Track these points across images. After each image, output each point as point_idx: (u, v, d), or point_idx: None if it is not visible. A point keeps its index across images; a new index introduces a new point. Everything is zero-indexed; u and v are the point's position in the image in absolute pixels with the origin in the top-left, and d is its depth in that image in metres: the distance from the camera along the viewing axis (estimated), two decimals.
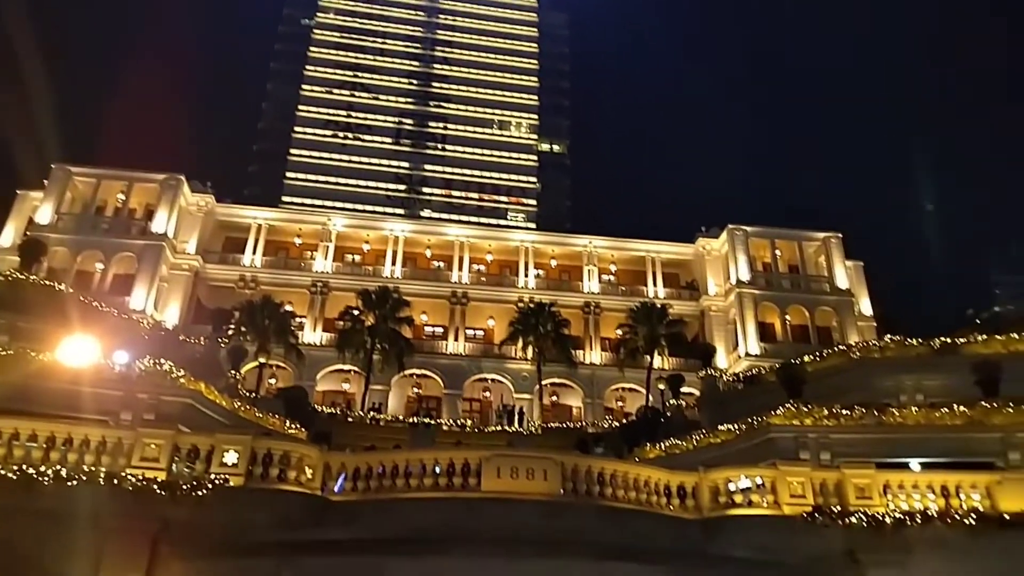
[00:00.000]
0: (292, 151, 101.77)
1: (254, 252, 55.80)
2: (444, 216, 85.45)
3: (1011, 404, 22.95)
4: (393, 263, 57.08)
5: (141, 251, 50.34)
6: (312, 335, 52.16)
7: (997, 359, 26.47)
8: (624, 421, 43.40)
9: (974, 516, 15.34)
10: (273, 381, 47.88)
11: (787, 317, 53.54)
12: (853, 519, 15.25)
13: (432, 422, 41.98)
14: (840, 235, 56.24)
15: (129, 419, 20.64)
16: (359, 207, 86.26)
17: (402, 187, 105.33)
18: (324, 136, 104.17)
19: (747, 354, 51.00)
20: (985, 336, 30.40)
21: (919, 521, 15.32)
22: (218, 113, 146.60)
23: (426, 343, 53.96)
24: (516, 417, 45.83)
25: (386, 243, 58.11)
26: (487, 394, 53.07)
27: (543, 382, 48.38)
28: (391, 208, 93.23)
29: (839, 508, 15.66)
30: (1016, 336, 30.26)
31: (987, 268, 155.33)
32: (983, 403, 23.35)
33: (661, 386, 42.62)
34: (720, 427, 27.44)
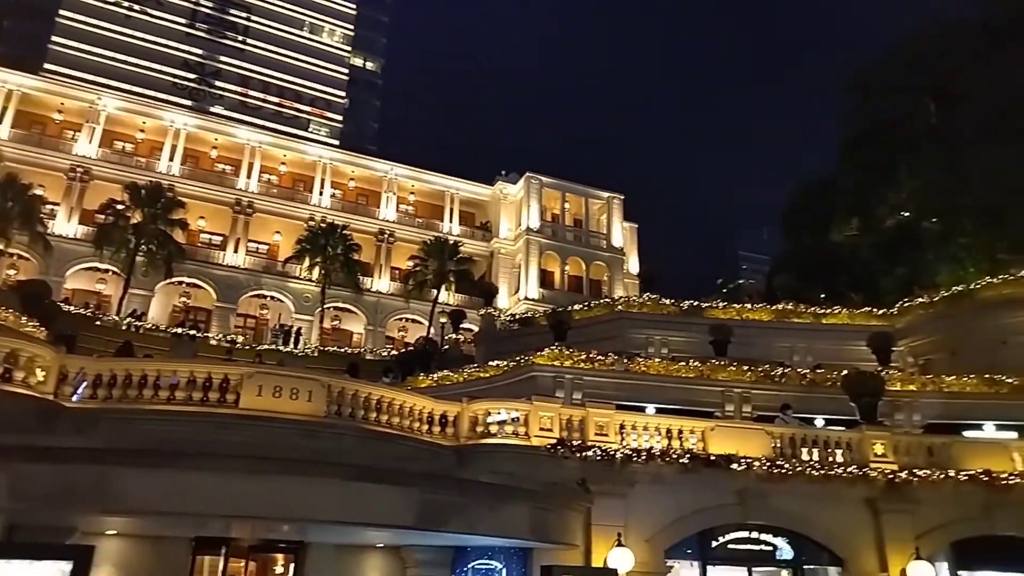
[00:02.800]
0: (62, 13, 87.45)
1: (0, 121, 47.95)
2: (236, 116, 78.79)
3: (734, 363, 26.53)
4: (171, 158, 52.06)
5: None
6: (65, 226, 46.52)
7: (730, 324, 30.32)
8: (403, 350, 44.02)
9: (688, 456, 17.59)
10: (13, 272, 42.19)
11: (566, 267, 57.03)
12: (589, 453, 16.92)
13: (198, 335, 39.55)
14: (622, 197, 60.53)
15: None
16: (138, 90, 76.80)
17: (192, 76, 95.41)
18: (104, 3, 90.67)
19: (527, 297, 53.75)
20: (724, 303, 34.66)
21: (644, 458, 17.29)
22: None
23: (201, 250, 50.40)
24: (292, 338, 44.63)
25: (165, 135, 52.71)
26: (264, 312, 51.01)
27: (326, 305, 47.48)
28: (176, 98, 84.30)
29: (579, 442, 17.28)
30: (748, 307, 34.88)
31: (738, 246, 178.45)
32: (712, 360, 26.73)
33: (443, 320, 43.68)
34: (491, 363, 28.84)
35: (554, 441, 17.10)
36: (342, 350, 43.18)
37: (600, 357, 25.73)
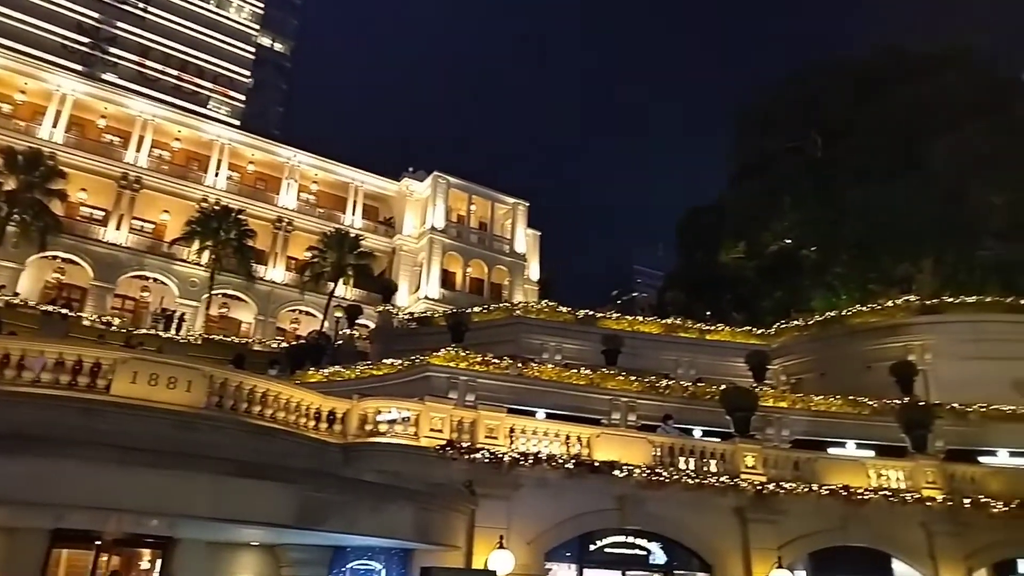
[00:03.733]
0: None
1: None
2: (131, 86, 74.33)
3: (623, 373, 27.37)
4: (55, 124, 48.53)
5: None
6: None
7: (622, 335, 31.23)
8: (294, 343, 42.73)
9: (574, 461, 18.00)
10: None
11: (468, 269, 57.13)
12: (478, 455, 17.03)
13: (71, 314, 36.97)
14: (527, 204, 61.26)
15: None
16: (23, 48, 71.00)
17: (85, 40, 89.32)
18: None
19: (427, 297, 53.44)
20: (618, 315, 35.72)
21: (531, 462, 17.56)
22: None
23: (80, 225, 47.24)
24: (175, 323, 42.47)
25: (49, 99, 49.10)
26: (146, 294, 48.29)
27: (214, 291, 45.45)
28: (66, 61, 78.56)
29: (469, 444, 17.35)
30: (640, 319, 36.10)
31: (634, 260, 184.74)
32: (603, 369, 27.45)
33: (339, 314, 42.73)
34: (385, 361, 28.48)
35: (443, 442, 17.09)
36: (228, 339, 41.42)
37: (495, 360, 25.93)
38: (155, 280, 48.32)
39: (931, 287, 36.24)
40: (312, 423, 16.36)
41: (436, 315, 38.33)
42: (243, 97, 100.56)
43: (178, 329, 41.93)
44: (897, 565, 19.68)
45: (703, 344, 34.74)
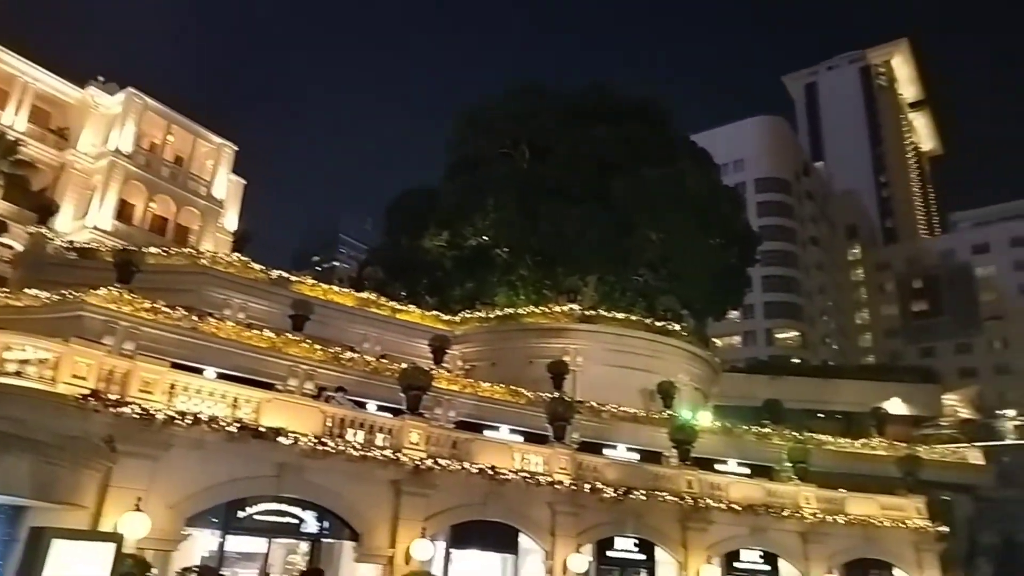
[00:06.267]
0: None
1: None
2: None
3: (308, 340, 26.97)
4: None
5: None
6: None
7: (314, 302, 30.70)
8: None
9: (238, 425, 17.28)
10: None
11: (153, 204, 51.35)
12: (127, 409, 15.49)
13: None
14: (236, 148, 56.98)
15: None
16: None
17: None
18: None
19: (96, 227, 46.92)
20: (314, 281, 35.01)
21: (190, 422, 16.46)
22: None
23: None
24: None
25: None
26: None
27: None
28: None
29: (118, 397, 15.73)
30: (336, 289, 35.83)
31: (341, 230, 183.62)
32: (287, 334, 26.77)
33: None
34: (30, 291, 24.63)
35: (87, 392, 15.27)
36: None
37: (167, 310, 23.89)
38: None
39: (592, 300, 41.47)
40: None
41: (103, 249, 33.96)
42: None
43: None
44: (523, 539, 22.20)
45: (393, 322, 35.62)
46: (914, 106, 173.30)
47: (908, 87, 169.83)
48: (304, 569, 19.02)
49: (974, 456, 41.81)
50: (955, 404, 60.35)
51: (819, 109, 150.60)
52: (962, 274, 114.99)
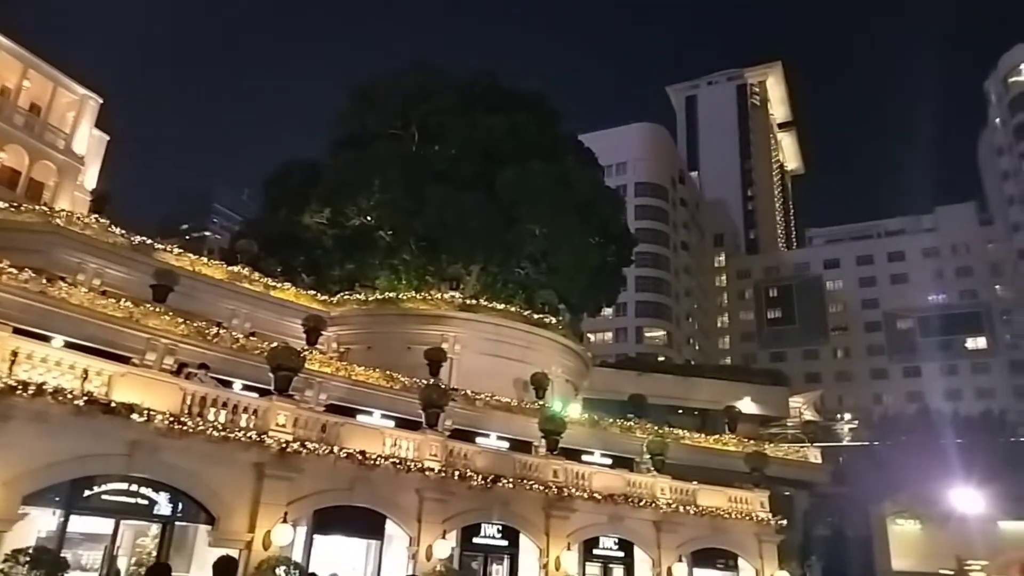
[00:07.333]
0: None
1: None
2: None
3: (170, 313, 25.50)
4: None
5: None
6: None
7: (180, 273, 29.01)
8: None
9: (86, 399, 16.14)
10: None
11: (2, 154, 46.81)
12: None
13: None
14: (101, 100, 52.81)
15: None
16: None
17: None
18: None
19: None
20: (181, 251, 33.08)
21: (32, 393, 15.23)
22: None
23: None
24: None
25: None
26: None
27: None
28: None
29: None
30: (205, 260, 34.02)
31: (215, 199, 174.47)
32: (147, 305, 25.15)
33: None
34: None
35: None
36: None
37: (13, 271, 21.86)
38: None
39: (473, 290, 41.72)
40: None
41: None
42: None
43: None
44: (389, 525, 22.09)
45: (266, 299, 34.32)
46: (783, 126, 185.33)
47: (779, 107, 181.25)
48: (152, 565, 17.96)
49: (814, 455, 45.57)
50: (800, 406, 65.49)
51: (697, 121, 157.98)
52: (813, 286, 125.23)
